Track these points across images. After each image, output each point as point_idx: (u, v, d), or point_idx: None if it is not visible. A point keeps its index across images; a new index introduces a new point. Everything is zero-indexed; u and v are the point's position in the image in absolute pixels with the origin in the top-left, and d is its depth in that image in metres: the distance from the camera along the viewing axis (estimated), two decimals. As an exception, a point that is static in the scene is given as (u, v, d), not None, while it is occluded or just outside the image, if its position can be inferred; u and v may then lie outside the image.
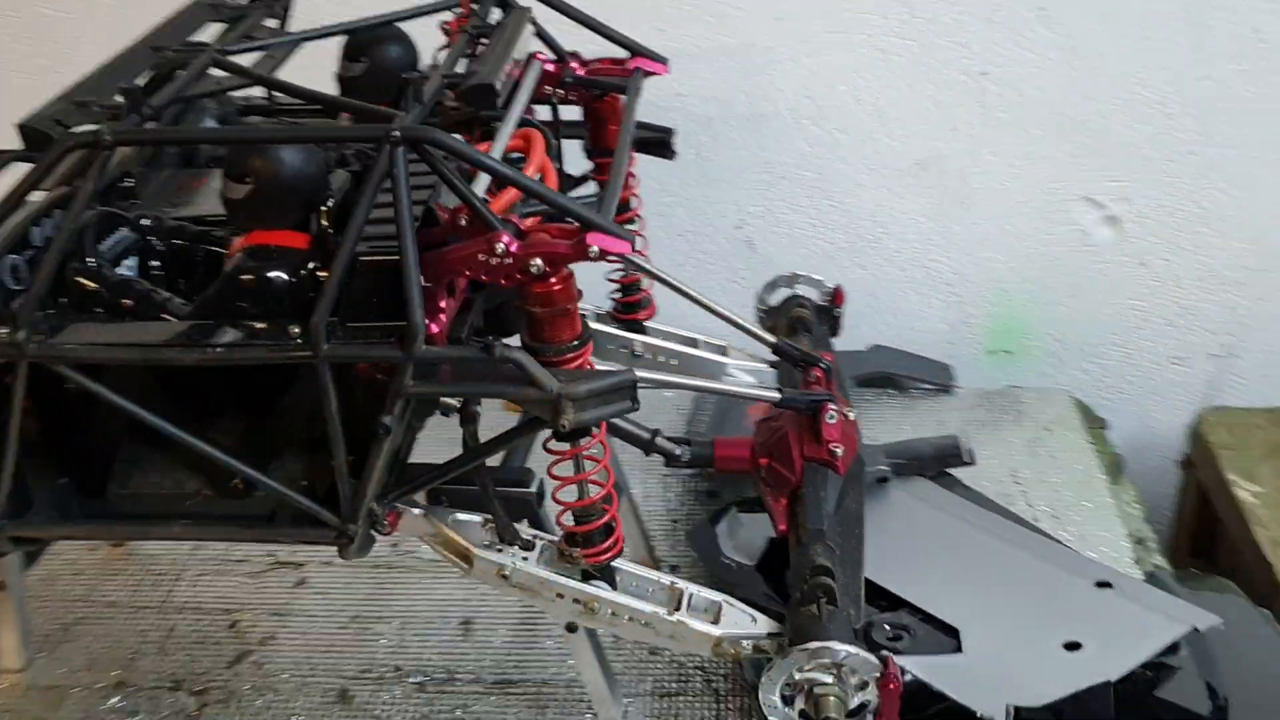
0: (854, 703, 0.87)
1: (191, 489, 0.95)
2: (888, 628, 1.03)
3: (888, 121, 1.53)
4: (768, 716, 0.90)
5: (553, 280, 0.82)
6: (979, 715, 0.93)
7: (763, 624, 0.94)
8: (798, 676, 0.88)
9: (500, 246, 0.80)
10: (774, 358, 1.12)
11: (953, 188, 1.57)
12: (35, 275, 0.81)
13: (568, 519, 0.93)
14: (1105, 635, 1.00)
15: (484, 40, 1.03)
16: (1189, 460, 1.58)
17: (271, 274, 0.83)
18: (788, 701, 0.89)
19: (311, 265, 0.83)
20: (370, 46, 1.04)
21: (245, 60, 1.02)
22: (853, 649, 0.86)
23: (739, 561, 1.15)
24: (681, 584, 0.96)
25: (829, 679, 0.87)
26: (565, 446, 0.88)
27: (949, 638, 1.02)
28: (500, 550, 0.94)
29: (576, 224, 0.81)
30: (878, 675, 0.87)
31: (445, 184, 0.80)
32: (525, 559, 0.94)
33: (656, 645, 0.95)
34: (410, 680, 1.18)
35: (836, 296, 1.35)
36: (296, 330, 0.81)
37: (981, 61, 1.49)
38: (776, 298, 1.38)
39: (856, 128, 1.53)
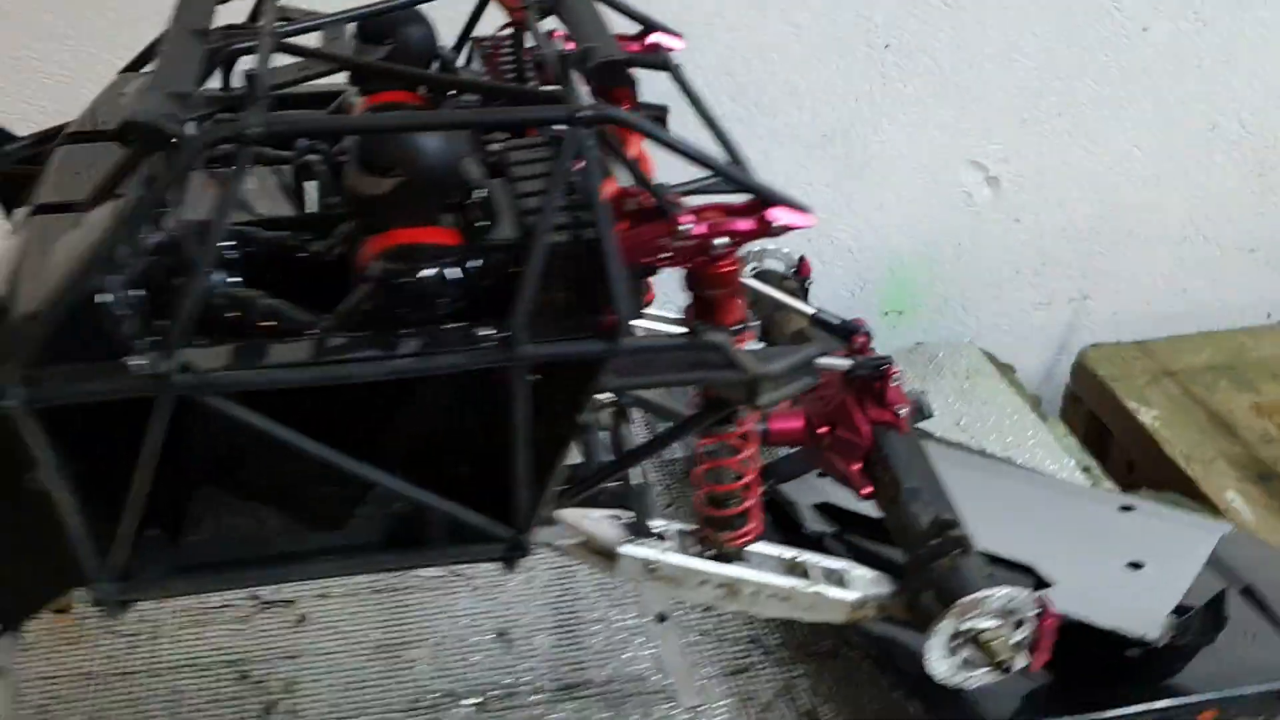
0: (1014, 640, 0.91)
1: (276, 526, 0.86)
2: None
3: (799, 95, 1.58)
4: (933, 670, 0.92)
5: (728, 260, 0.80)
6: (1131, 638, 0.98)
7: (885, 583, 0.96)
8: (962, 628, 0.90)
9: (685, 228, 0.77)
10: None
11: (855, 158, 1.64)
12: (181, 296, 0.71)
13: (704, 503, 0.91)
14: (1156, 552, 1.09)
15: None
16: (1075, 395, 1.73)
17: (431, 274, 0.76)
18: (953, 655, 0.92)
19: (470, 263, 0.77)
20: (394, 28, 0.97)
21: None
22: (1014, 590, 0.90)
23: (819, 530, 1.15)
24: (801, 556, 0.96)
25: (993, 623, 0.90)
26: (726, 430, 0.86)
27: (1026, 575, 1.07)
28: (642, 544, 0.91)
29: (744, 202, 0.80)
30: (1036, 612, 0.91)
31: (625, 167, 0.77)
32: (668, 550, 0.91)
33: (790, 617, 0.95)
34: (467, 703, 1.12)
35: (803, 267, 1.38)
36: (487, 332, 0.75)
37: (885, 35, 1.56)
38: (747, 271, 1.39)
39: (771, 103, 1.57)
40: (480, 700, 1.12)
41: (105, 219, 0.75)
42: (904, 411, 1.07)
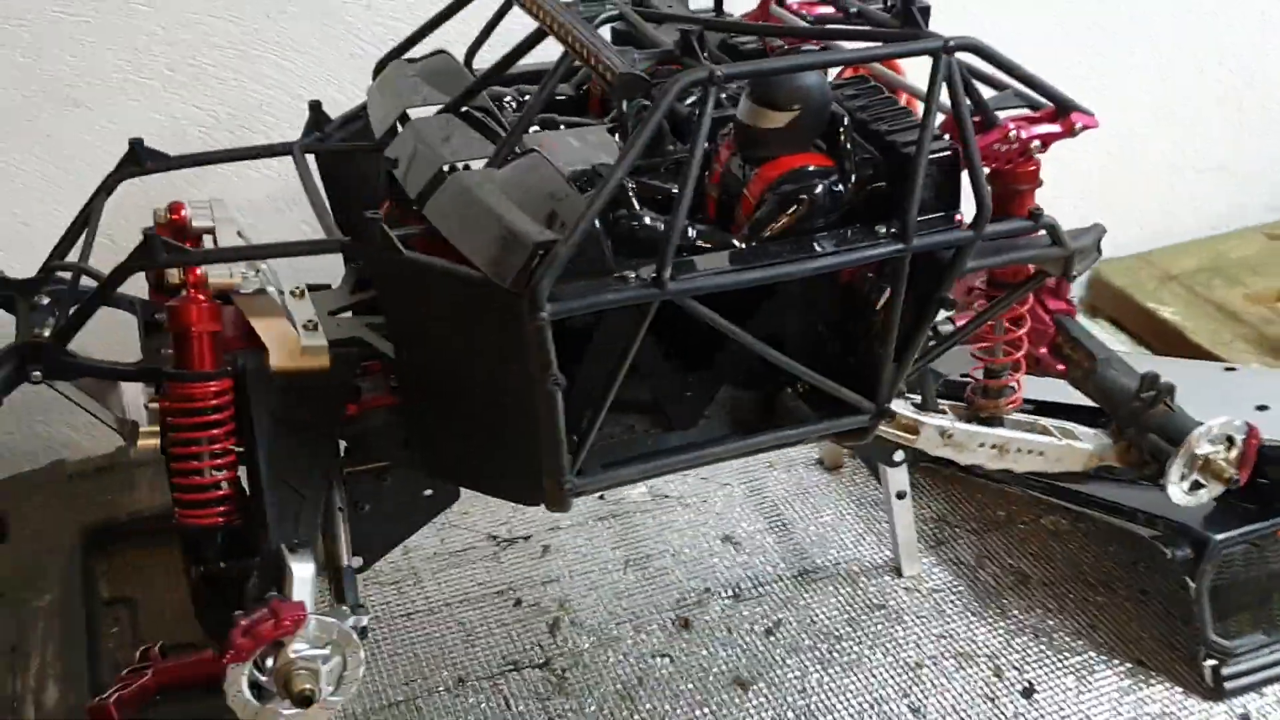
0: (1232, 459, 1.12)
1: (642, 429, 0.99)
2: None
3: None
4: (1174, 497, 1.12)
5: (1033, 160, 0.98)
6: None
7: (1104, 436, 1.16)
8: (1195, 455, 1.11)
9: (1013, 133, 0.95)
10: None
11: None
12: (673, 215, 0.83)
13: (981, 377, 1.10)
14: (1274, 395, 1.31)
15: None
16: (1093, 306, 1.97)
17: (821, 190, 0.91)
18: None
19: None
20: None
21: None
22: (1228, 418, 1.11)
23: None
24: (1039, 420, 1.15)
25: (1218, 447, 1.11)
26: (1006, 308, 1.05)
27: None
28: (936, 417, 1.08)
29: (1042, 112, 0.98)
30: (1245, 434, 1.12)
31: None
32: (955, 420, 1.09)
33: (1040, 469, 1.13)
34: (724, 596, 1.27)
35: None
36: (883, 230, 0.91)
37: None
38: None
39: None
40: (735, 593, 1.27)
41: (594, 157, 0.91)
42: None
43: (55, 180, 1.35)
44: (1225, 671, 1.14)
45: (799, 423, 0.99)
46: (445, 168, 0.92)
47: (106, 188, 1.02)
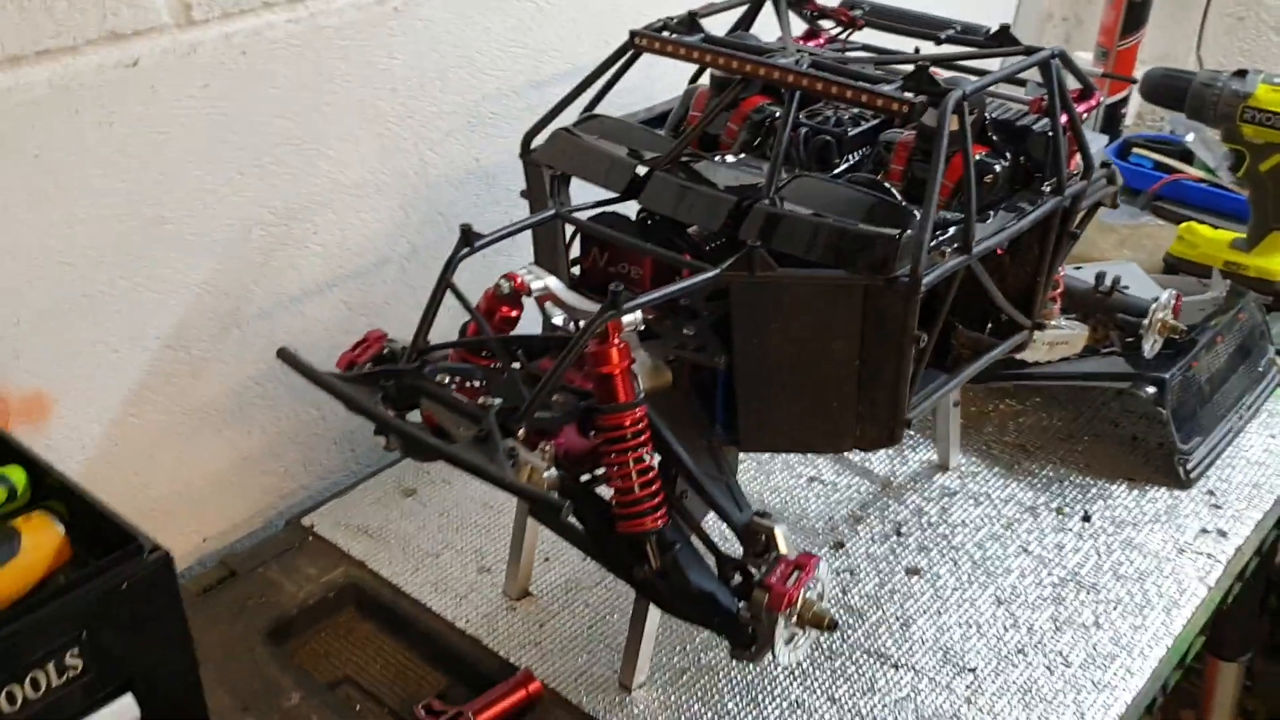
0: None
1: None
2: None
3: None
4: (1146, 353, 1.56)
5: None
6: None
7: (1079, 325, 1.59)
8: (1156, 318, 1.56)
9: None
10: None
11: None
12: (926, 204, 1.10)
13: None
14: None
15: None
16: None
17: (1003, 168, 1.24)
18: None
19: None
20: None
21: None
22: (1166, 291, 1.58)
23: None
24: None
25: (1163, 312, 1.56)
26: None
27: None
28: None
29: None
30: (1173, 300, 1.59)
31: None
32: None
33: (1062, 356, 1.52)
34: (848, 520, 1.55)
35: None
36: (1046, 188, 1.25)
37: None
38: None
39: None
40: (855, 515, 1.57)
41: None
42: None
43: (143, 303, 1.35)
44: (1189, 465, 1.62)
45: (987, 348, 1.32)
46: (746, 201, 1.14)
47: (450, 269, 1.11)
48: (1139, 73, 2.17)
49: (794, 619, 1.04)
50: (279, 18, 1.33)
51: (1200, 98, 2.02)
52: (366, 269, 1.58)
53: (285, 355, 1.10)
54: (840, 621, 1.30)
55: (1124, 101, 2.60)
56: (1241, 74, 1.98)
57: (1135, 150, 2.52)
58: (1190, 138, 2.47)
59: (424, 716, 1.28)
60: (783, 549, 1.06)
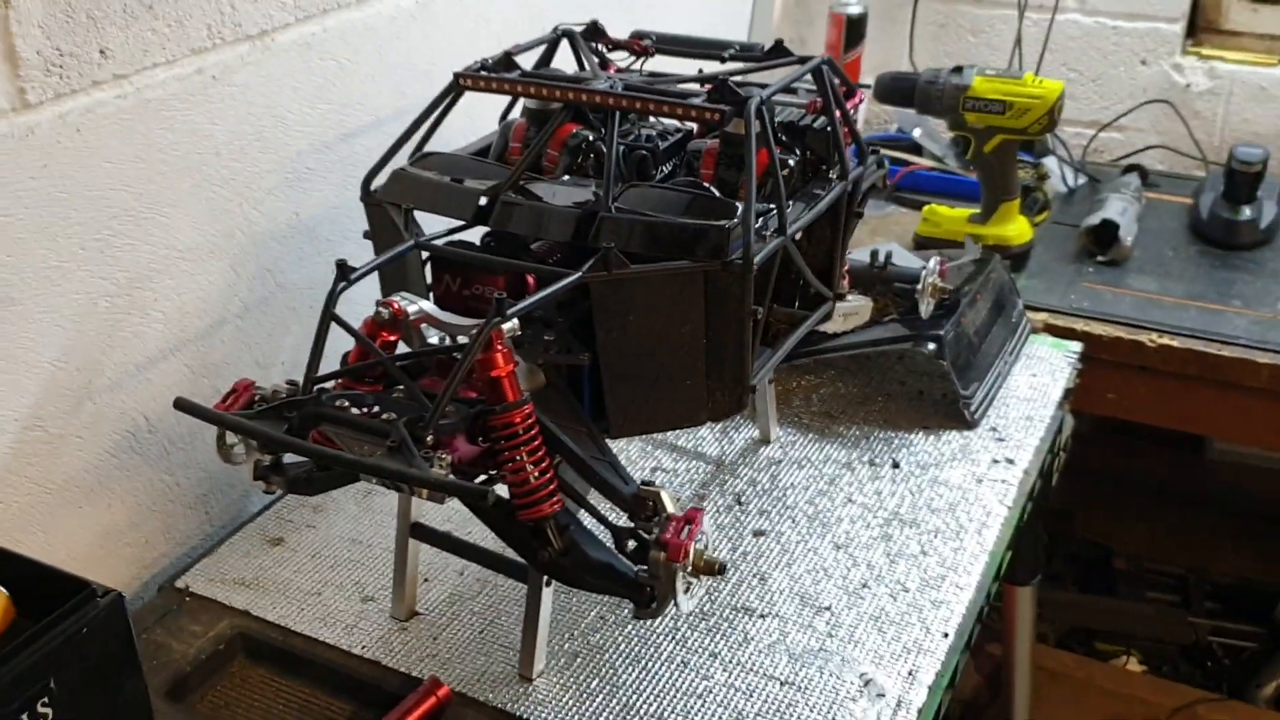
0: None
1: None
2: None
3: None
4: (924, 314, 1.78)
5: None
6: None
7: (863, 299, 1.80)
8: (927, 283, 1.78)
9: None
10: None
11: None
12: (748, 196, 1.26)
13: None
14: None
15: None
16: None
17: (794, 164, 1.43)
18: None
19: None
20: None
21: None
22: (933, 257, 1.81)
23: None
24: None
25: (931, 278, 1.80)
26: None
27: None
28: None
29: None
30: (939, 265, 1.82)
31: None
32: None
33: (851, 325, 1.72)
34: (694, 491, 1.70)
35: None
36: (832, 175, 1.44)
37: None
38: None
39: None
40: (699, 492, 1.72)
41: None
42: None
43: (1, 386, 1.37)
44: (972, 408, 1.86)
45: (801, 320, 1.49)
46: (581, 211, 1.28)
47: (331, 302, 1.19)
48: (868, 80, 2.45)
49: (689, 569, 1.17)
50: (108, 94, 1.38)
51: (926, 94, 2.30)
52: (205, 331, 1.62)
53: (183, 404, 1.15)
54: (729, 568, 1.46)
55: (855, 109, 2.89)
56: (959, 70, 2.28)
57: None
58: (917, 133, 2.77)
59: (343, 740, 1.33)
60: (670, 509, 1.19)
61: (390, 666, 1.43)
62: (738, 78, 1.48)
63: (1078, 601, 2.96)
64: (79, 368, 1.45)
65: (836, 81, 1.48)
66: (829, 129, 1.45)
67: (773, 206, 1.32)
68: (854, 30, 2.81)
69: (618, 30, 1.67)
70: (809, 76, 1.46)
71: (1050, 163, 2.73)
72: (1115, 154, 2.92)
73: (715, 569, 1.18)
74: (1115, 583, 3.00)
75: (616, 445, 1.75)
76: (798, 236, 1.46)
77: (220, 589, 1.56)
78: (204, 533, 1.71)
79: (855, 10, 2.79)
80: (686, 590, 1.19)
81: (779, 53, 1.51)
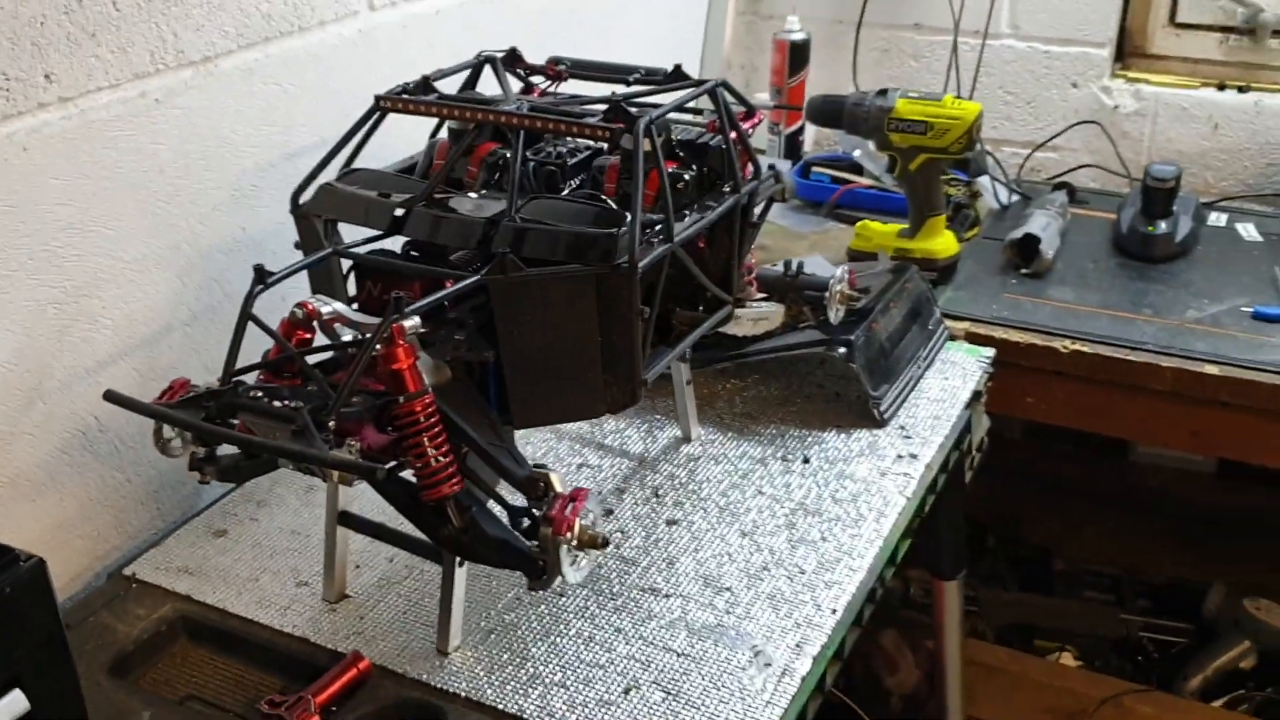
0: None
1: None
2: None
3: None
4: (833, 319, 1.89)
5: (745, 143, 1.70)
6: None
7: (776, 305, 1.92)
8: (835, 291, 1.90)
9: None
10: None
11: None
12: (634, 206, 1.38)
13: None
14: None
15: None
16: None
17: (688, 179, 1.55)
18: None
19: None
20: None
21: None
22: (840, 267, 1.93)
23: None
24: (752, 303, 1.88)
25: (840, 285, 1.92)
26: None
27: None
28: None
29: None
30: (847, 274, 1.94)
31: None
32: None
33: (758, 331, 1.84)
34: (610, 490, 1.82)
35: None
36: (726, 189, 1.56)
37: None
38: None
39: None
40: (619, 487, 1.83)
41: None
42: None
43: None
44: (881, 407, 1.97)
45: (700, 322, 1.61)
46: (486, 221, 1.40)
47: (249, 303, 1.31)
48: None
49: (574, 543, 1.29)
50: (54, 115, 1.50)
51: (854, 115, 2.43)
52: (153, 337, 1.74)
53: (112, 396, 1.27)
54: (611, 542, 1.58)
55: (801, 130, 3.02)
56: (883, 93, 2.40)
57: (815, 169, 2.93)
58: (857, 153, 2.90)
59: (269, 710, 1.44)
60: (558, 489, 1.31)
61: (318, 643, 1.54)
62: (646, 99, 1.61)
63: (1019, 600, 3.07)
64: (29, 370, 1.57)
65: (733, 101, 1.60)
66: (724, 146, 1.57)
67: (664, 216, 1.44)
68: (797, 55, 2.94)
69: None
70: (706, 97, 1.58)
71: (984, 181, 2.85)
72: (1050, 173, 3.05)
73: (599, 542, 1.29)
74: (1054, 583, 3.11)
75: (545, 442, 1.90)
76: (700, 244, 1.58)
77: (165, 576, 1.67)
78: (155, 527, 1.83)
79: (798, 36, 2.92)
80: (573, 563, 1.30)
81: (678, 76, 1.64)
